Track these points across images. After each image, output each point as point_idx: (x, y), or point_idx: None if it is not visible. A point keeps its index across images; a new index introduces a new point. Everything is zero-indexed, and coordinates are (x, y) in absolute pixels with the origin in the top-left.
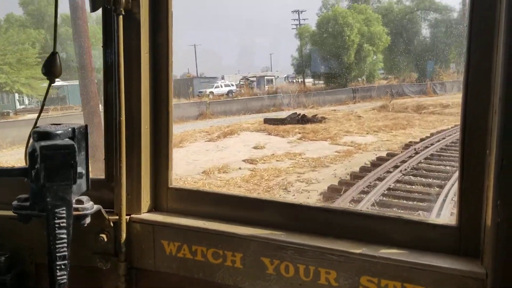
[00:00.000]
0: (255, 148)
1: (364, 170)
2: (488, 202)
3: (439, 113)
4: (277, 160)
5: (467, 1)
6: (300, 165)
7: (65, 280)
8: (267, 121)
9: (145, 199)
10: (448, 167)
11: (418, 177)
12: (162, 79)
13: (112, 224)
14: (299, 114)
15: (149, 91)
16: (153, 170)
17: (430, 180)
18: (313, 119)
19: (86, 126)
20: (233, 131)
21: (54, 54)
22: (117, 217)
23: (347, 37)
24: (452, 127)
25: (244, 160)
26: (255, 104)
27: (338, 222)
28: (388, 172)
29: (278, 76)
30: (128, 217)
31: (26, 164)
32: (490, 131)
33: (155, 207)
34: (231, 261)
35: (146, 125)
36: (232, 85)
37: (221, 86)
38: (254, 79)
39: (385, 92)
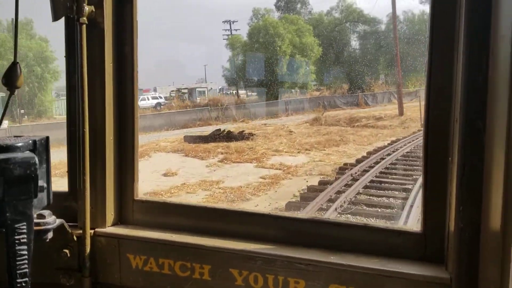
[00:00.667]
0: (165, 175)
1: (291, 206)
2: (451, 208)
3: (372, 126)
4: (188, 192)
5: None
6: (216, 198)
7: None
8: (187, 139)
9: (110, 212)
10: (391, 199)
11: (357, 216)
12: (127, 89)
13: (75, 238)
14: (224, 130)
15: (113, 101)
16: (118, 182)
17: (372, 221)
18: (240, 136)
19: (47, 137)
20: (144, 152)
21: (14, 64)
22: (80, 231)
23: (278, 48)
24: (389, 144)
25: (145, 194)
26: (181, 118)
27: (306, 231)
28: (321, 209)
29: (211, 88)
30: (92, 231)
31: None
32: (452, 139)
33: (120, 220)
34: (199, 273)
35: (111, 136)
36: (160, 97)
37: (148, 99)
38: (186, 91)
39: (318, 103)
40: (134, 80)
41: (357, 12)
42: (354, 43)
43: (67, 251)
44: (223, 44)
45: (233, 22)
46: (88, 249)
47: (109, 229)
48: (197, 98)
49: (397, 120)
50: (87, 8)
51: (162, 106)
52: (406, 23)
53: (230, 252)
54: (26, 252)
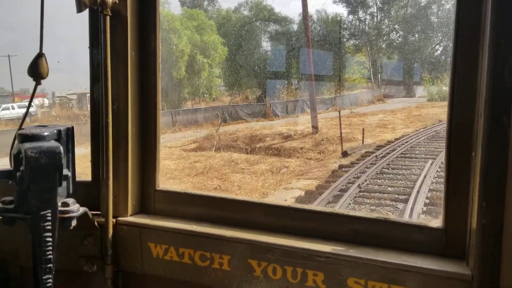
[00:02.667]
0: None
1: None
2: (474, 204)
3: (277, 150)
4: None
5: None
6: None
7: (50, 284)
8: None
9: (132, 201)
10: None
11: None
12: (149, 80)
13: (98, 226)
14: None
15: (136, 92)
16: (140, 172)
17: None
18: None
19: (72, 127)
20: None
21: (40, 56)
22: (103, 219)
23: (174, 46)
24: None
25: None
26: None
27: (326, 223)
28: None
29: None
30: (114, 219)
31: (11, 166)
32: (476, 134)
33: (142, 209)
34: (218, 263)
35: (134, 127)
36: (32, 106)
37: (12, 108)
38: (74, 96)
39: (216, 115)
40: (157, 71)
41: (267, 9)
42: (266, 44)
43: (90, 239)
44: None
45: None
46: (110, 237)
47: (131, 218)
48: (89, 106)
49: (310, 140)
50: (110, 0)
51: (33, 116)
52: (320, 24)
53: (249, 243)
54: (50, 239)
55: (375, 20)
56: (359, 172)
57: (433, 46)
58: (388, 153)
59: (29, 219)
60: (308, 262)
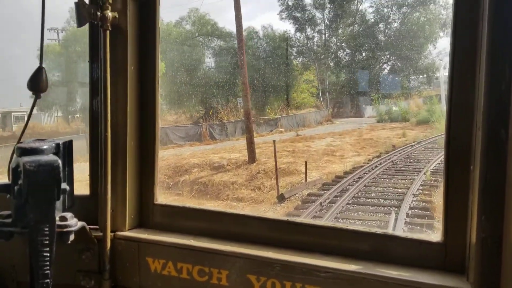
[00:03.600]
0: None
1: None
2: (473, 218)
3: (203, 189)
4: None
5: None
6: None
7: None
8: None
9: (130, 215)
10: None
11: None
12: (148, 94)
13: (96, 241)
14: None
15: (135, 106)
16: (139, 186)
17: None
18: None
19: (71, 141)
20: None
21: (40, 69)
22: (101, 233)
23: None
24: None
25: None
26: None
27: (326, 238)
28: None
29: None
30: (112, 233)
31: (9, 180)
32: (474, 147)
33: (140, 224)
34: (216, 278)
35: (132, 140)
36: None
37: None
38: None
39: None
40: (156, 85)
41: (210, 24)
42: (209, 60)
43: (88, 253)
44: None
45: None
46: (108, 252)
47: (129, 233)
48: (14, 125)
49: (245, 171)
50: (110, 15)
51: None
52: (266, 40)
53: (248, 257)
54: (48, 254)
55: (323, 38)
56: None
57: (381, 64)
58: (336, 197)
59: (26, 233)
60: (307, 277)
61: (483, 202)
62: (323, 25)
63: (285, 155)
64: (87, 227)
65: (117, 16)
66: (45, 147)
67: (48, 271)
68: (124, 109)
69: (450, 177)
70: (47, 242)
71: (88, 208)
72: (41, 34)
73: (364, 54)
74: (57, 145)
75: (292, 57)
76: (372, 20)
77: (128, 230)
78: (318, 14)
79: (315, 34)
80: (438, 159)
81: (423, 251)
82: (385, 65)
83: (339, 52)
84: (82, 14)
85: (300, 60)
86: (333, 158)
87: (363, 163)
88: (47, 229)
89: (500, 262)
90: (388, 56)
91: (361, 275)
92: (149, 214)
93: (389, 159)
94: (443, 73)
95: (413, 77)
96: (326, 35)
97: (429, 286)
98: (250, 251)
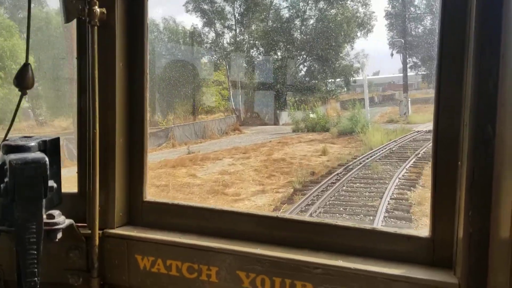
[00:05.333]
0: None
1: None
2: (460, 213)
3: None
4: None
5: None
6: None
7: None
8: None
9: (119, 213)
10: None
11: None
12: (137, 91)
13: (84, 238)
14: None
15: (124, 103)
16: (128, 183)
17: None
18: None
19: (58, 138)
20: None
21: (26, 65)
22: (89, 231)
23: None
24: None
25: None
26: None
27: (315, 234)
28: None
29: None
30: (101, 231)
31: None
32: (461, 143)
33: (129, 221)
34: (206, 275)
35: (121, 138)
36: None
37: None
38: None
39: None
40: (145, 82)
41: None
42: None
43: (76, 251)
44: None
45: None
46: (96, 250)
47: (118, 230)
48: None
49: None
50: (98, 11)
51: None
52: (168, 34)
53: (237, 254)
54: (35, 252)
55: (234, 34)
56: None
57: (297, 65)
58: None
59: (13, 231)
60: (296, 273)
61: (471, 197)
62: (234, 19)
63: (152, 192)
64: (75, 224)
65: (105, 12)
66: (31, 144)
67: (36, 270)
68: (113, 106)
69: (438, 173)
70: (35, 240)
71: (76, 205)
72: (27, 30)
73: (279, 53)
74: (44, 142)
75: (200, 55)
76: (287, 15)
77: (117, 227)
78: (228, 8)
79: (225, 30)
80: (383, 206)
81: (411, 246)
82: (301, 66)
83: (252, 50)
84: (69, 10)
85: (208, 59)
86: (222, 198)
87: (268, 205)
88: (34, 227)
89: (487, 257)
90: (304, 56)
91: (350, 270)
92: (138, 211)
93: (306, 203)
94: (366, 76)
95: (330, 80)
96: (237, 31)
97: (417, 281)
98: (240, 247)
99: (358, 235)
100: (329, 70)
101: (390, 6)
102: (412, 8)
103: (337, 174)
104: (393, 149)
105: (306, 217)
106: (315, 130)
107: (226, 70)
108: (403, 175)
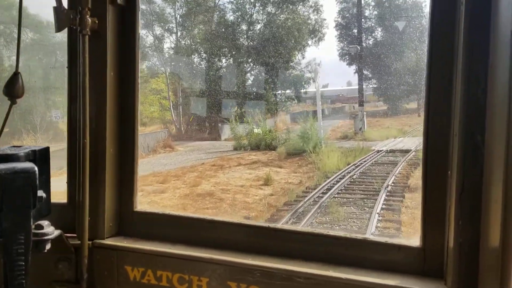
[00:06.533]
0: None
1: None
2: (451, 223)
3: None
4: None
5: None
6: None
7: None
8: None
9: (109, 223)
10: None
11: None
12: (128, 101)
13: (73, 249)
14: None
15: (115, 113)
16: (118, 193)
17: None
18: None
19: (47, 148)
20: None
21: (16, 74)
22: (79, 242)
23: None
24: None
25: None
26: None
27: (306, 244)
28: None
29: None
30: (90, 242)
31: None
32: (451, 153)
33: (119, 232)
34: (197, 286)
35: (111, 148)
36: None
37: None
38: None
39: None
40: (136, 91)
41: (17, 8)
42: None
43: (65, 262)
44: None
45: None
46: (86, 261)
47: (108, 241)
48: None
49: None
50: (90, 20)
51: None
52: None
53: (228, 264)
54: (23, 263)
55: (175, 38)
56: None
57: (244, 74)
58: None
59: (1, 242)
60: (287, 283)
61: (460, 207)
62: (175, 22)
63: None
64: (64, 235)
65: (96, 21)
66: (21, 154)
67: (23, 281)
68: (103, 115)
69: (428, 182)
70: (23, 251)
71: (66, 216)
72: (18, 39)
73: (224, 60)
74: (34, 152)
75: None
76: (233, 18)
77: (107, 238)
78: (169, 9)
79: (165, 33)
80: None
81: (402, 256)
82: (248, 75)
83: (194, 56)
84: (61, 19)
85: (146, 64)
86: None
87: None
88: (22, 237)
89: (477, 266)
90: (251, 63)
91: (342, 280)
92: (128, 221)
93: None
94: (319, 85)
95: (280, 92)
96: (178, 34)
97: None
98: (230, 258)
99: (349, 245)
100: (278, 79)
101: (340, 17)
102: (363, 20)
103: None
104: (354, 177)
105: (297, 227)
106: (260, 148)
107: (166, 77)
108: (376, 227)
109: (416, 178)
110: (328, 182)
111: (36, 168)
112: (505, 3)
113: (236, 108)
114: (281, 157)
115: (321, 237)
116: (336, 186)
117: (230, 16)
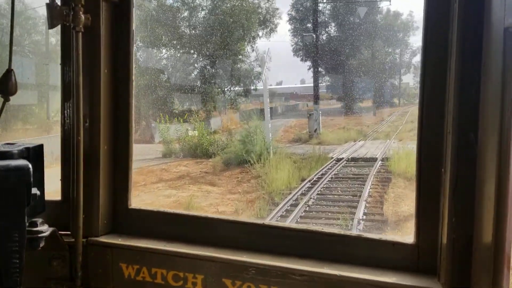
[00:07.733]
0: None
1: None
2: (444, 220)
3: None
4: None
5: None
6: None
7: None
8: None
9: (103, 221)
10: None
11: None
12: (122, 97)
13: (67, 247)
14: None
15: (109, 110)
16: (113, 191)
17: None
18: None
19: (41, 145)
20: None
21: (9, 71)
22: (73, 239)
23: None
24: None
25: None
26: None
27: (301, 241)
28: None
29: None
30: (85, 239)
31: None
32: (445, 151)
33: (113, 229)
34: (192, 283)
35: (106, 144)
36: None
37: None
38: None
39: None
40: (130, 88)
41: None
42: None
43: (59, 259)
44: None
45: None
46: (80, 258)
47: (102, 238)
48: None
49: None
50: (83, 17)
51: None
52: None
53: (223, 262)
54: (17, 261)
55: None
56: None
57: (187, 66)
58: None
59: None
60: (282, 280)
61: (454, 204)
62: None
63: None
64: (58, 233)
65: (90, 17)
66: (14, 151)
67: (18, 279)
68: (97, 112)
69: (422, 180)
70: (17, 248)
71: (60, 213)
72: (10, 36)
73: (164, 51)
74: (27, 149)
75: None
76: (171, 2)
77: (101, 235)
78: None
79: None
80: None
81: (396, 253)
82: (191, 67)
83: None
84: (53, 15)
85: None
86: None
87: None
88: (16, 235)
89: (470, 263)
90: (195, 55)
91: (336, 277)
92: (123, 219)
93: None
94: (267, 78)
95: (227, 88)
96: None
97: (401, 287)
98: (225, 255)
99: (344, 242)
100: (226, 73)
101: (294, 10)
102: (316, 14)
103: None
104: (310, 204)
105: (292, 224)
106: (195, 155)
107: None
108: None
109: (391, 203)
110: (275, 215)
111: (30, 166)
112: (498, 2)
113: (178, 105)
114: (217, 170)
115: (316, 234)
116: (285, 218)
117: (169, 1)
